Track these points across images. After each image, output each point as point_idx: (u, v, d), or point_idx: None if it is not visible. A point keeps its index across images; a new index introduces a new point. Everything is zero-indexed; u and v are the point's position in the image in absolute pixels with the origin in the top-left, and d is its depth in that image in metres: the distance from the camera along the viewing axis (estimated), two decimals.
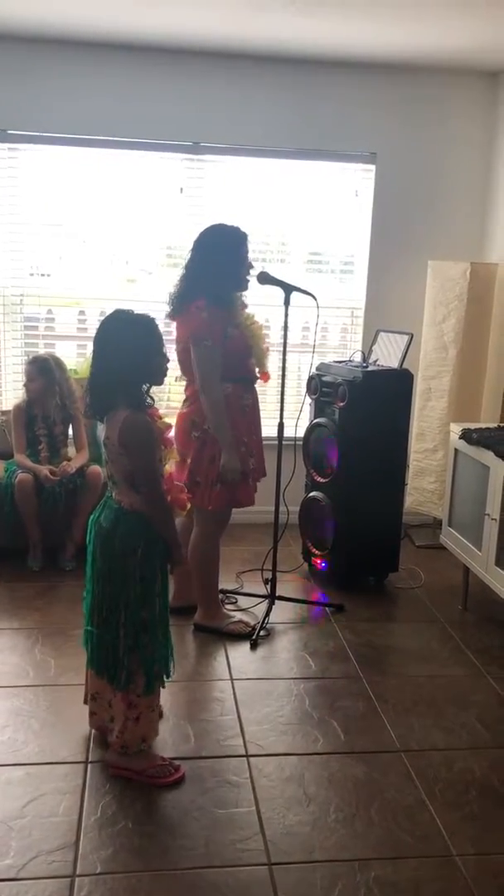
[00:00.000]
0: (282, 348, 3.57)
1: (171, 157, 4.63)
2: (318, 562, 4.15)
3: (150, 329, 2.41)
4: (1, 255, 4.63)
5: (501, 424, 4.01)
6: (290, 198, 4.76)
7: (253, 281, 3.38)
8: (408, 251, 4.79)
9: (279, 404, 3.58)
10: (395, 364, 3.99)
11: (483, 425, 3.84)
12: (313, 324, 3.68)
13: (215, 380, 3.25)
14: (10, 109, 4.41)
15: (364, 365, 4.06)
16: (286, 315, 3.47)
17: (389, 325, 4.42)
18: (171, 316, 3.37)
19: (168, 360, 2.47)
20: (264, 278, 3.42)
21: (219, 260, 3.26)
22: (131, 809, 2.40)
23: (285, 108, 4.58)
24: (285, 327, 3.50)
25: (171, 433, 2.63)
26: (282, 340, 3.56)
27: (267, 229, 4.81)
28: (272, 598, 3.72)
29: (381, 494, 4.00)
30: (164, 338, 2.49)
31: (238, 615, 3.65)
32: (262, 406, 3.53)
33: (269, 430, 3.57)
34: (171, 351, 3.03)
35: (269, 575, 3.78)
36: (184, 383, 3.46)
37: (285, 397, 3.60)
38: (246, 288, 3.36)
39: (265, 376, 3.50)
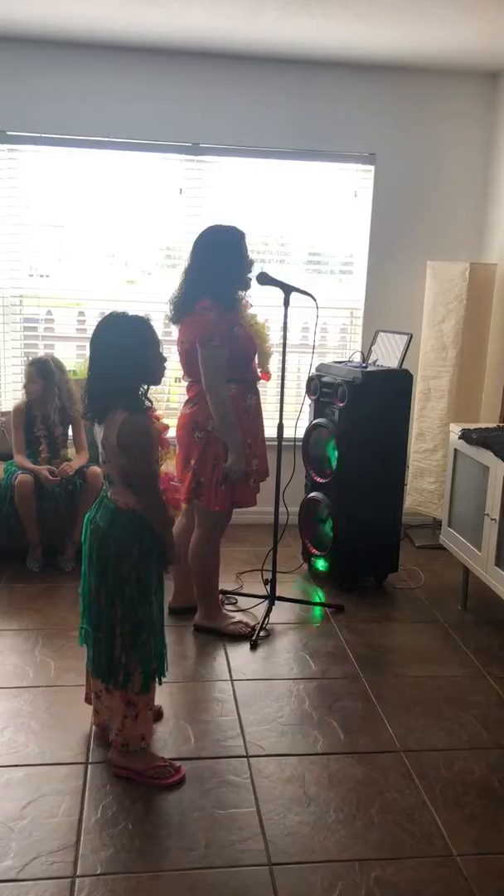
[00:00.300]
0: (281, 349, 3.57)
1: (171, 157, 4.63)
2: (317, 561, 4.15)
3: (145, 331, 2.41)
4: (0, 256, 4.64)
5: (501, 424, 4.02)
6: (289, 198, 4.77)
7: (252, 281, 3.38)
8: (407, 251, 4.79)
9: (279, 405, 3.58)
10: (394, 364, 4.00)
11: (483, 425, 3.84)
12: (313, 324, 3.69)
13: (222, 380, 3.24)
14: (9, 110, 4.41)
15: (363, 365, 4.06)
16: (286, 316, 3.47)
17: (389, 325, 4.42)
18: (175, 320, 3.36)
19: (165, 361, 2.48)
20: (264, 279, 3.42)
21: (219, 260, 3.26)
22: (132, 810, 2.40)
23: (284, 108, 4.59)
24: (284, 328, 3.50)
25: (168, 434, 2.63)
26: (281, 341, 3.56)
27: (266, 230, 4.81)
28: (272, 598, 3.73)
29: (381, 495, 4.01)
30: (161, 339, 2.49)
31: (238, 616, 3.65)
32: (262, 407, 3.53)
33: (268, 430, 3.56)
34: (169, 352, 3.03)
35: (268, 575, 3.79)
36: (185, 384, 3.46)
37: (285, 398, 3.60)
38: (249, 286, 3.36)
39: (266, 376, 3.51)
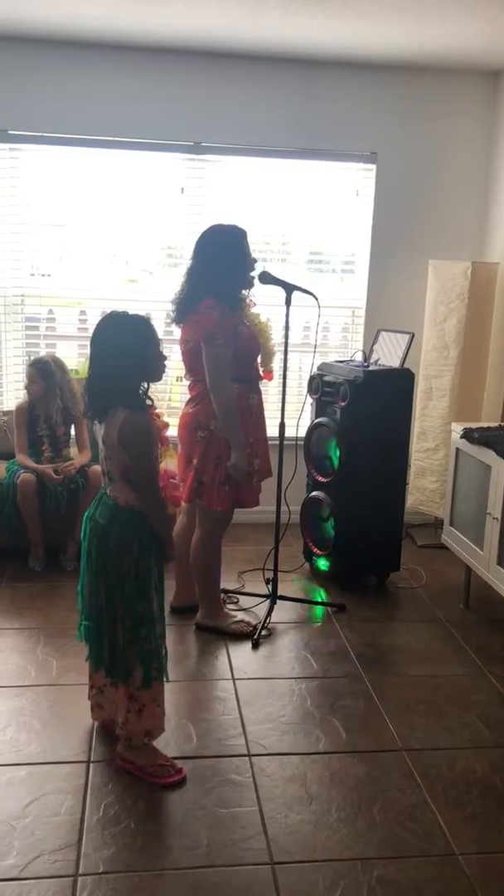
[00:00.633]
0: (283, 348, 3.57)
1: (172, 157, 4.63)
2: (319, 558, 4.15)
3: (146, 329, 2.42)
4: (2, 256, 4.64)
5: (503, 423, 4.01)
6: (290, 197, 4.77)
7: (254, 280, 3.38)
8: (409, 250, 4.79)
9: (280, 404, 3.58)
10: (396, 363, 3.99)
11: (484, 424, 3.84)
12: (314, 323, 3.68)
13: (227, 379, 3.24)
14: (11, 109, 4.41)
15: (365, 364, 4.06)
16: (287, 315, 3.47)
17: (390, 324, 4.42)
18: (177, 320, 3.35)
19: (165, 360, 2.48)
20: (265, 278, 3.42)
21: (222, 259, 3.25)
22: (134, 809, 2.40)
23: (286, 107, 4.58)
24: (286, 327, 3.50)
25: (168, 432, 2.64)
26: (283, 340, 3.56)
27: (268, 229, 4.81)
28: (273, 597, 3.73)
29: (383, 494, 4.01)
30: (162, 338, 2.50)
31: (240, 615, 3.65)
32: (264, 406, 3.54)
33: (270, 430, 3.56)
34: (170, 351, 3.03)
35: (270, 574, 3.79)
36: (186, 383, 3.46)
37: (286, 397, 3.60)
38: (252, 284, 3.36)
39: (268, 375, 3.51)
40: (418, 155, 4.73)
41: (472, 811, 2.45)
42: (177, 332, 3.44)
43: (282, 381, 3.58)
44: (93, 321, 4.77)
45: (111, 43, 4.31)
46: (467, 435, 3.65)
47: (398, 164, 4.72)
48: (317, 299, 3.47)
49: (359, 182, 4.79)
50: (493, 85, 4.70)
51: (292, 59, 4.47)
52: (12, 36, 4.27)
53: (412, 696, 3.08)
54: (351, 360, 4.22)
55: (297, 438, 3.86)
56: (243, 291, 3.35)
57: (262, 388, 3.52)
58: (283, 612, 3.74)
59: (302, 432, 4.12)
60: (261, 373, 3.48)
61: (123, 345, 2.38)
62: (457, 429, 3.79)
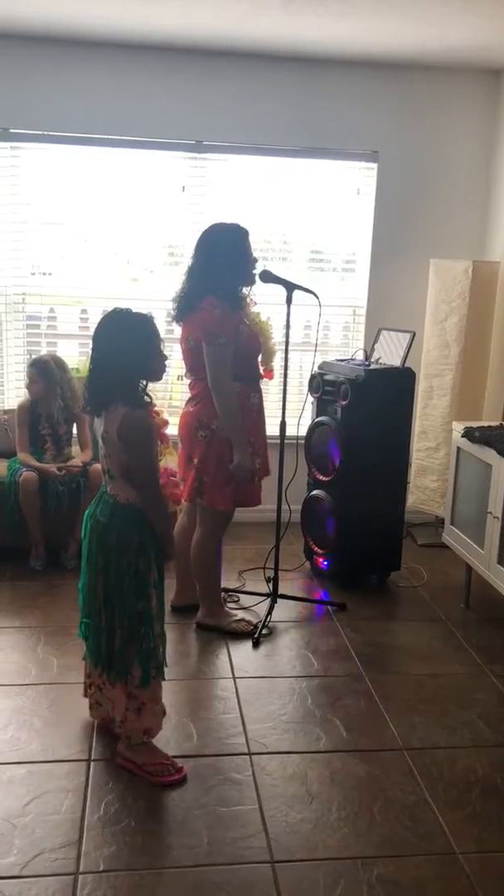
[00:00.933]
0: (284, 347, 3.57)
1: (174, 155, 4.63)
2: (321, 561, 4.15)
3: (147, 327, 2.42)
4: (3, 254, 4.64)
5: (503, 423, 4.02)
6: (292, 196, 4.76)
7: (255, 278, 3.37)
8: (410, 249, 4.78)
9: (281, 403, 3.57)
10: (397, 362, 3.99)
11: (485, 423, 3.84)
12: (315, 322, 3.68)
13: (228, 377, 3.24)
14: (12, 108, 4.41)
15: (366, 363, 4.06)
16: (288, 313, 3.47)
17: (391, 323, 4.41)
18: (178, 318, 3.35)
19: (166, 358, 2.48)
20: (266, 276, 3.42)
21: (223, 258, 3.25)
22: (134, 807, 2.40)
23: (287, 106, 4.58)
24: (287, 326, 3.49)
25: (167, 429, 2.64)
26: (284, 339, 3.56)
27: (269, 228, 4.81)
28: (274, 596, 3.73)
29: (383, 493, 4.00)
30: (163, 336, 2.50)
31: (240, 614, 3.66)
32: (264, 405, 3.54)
33: (271, 428, 3.56)
34: (171, 350, 3.02)
35: (271, 573, 3.79)
36: (187, 382, 3.45)
37: (287, 396, 3.60)
38: (254, 282, 3.35)
39: (269, 374, 3.50)
40: (419, 154, 4.72)
41: (472, 810, 2.45)
42: (177, 330, 3.44)
43: (282, 380, 3.58)
44: (94, 320, 4.76)
45: (112, 41, 4.31)
46: (468, 434, 3.65)
47: (399, 162, 4.72)
48: (318, 298, 3.47)
49: (360, 181, 4.79)
50: (494, 84, 4.69)
51: (293, 57, 4.46)
52: (13, 34, 4.26)
53: (413, 696, 3.08)
54: (352, 359, 4.21)
55: (297, 437, 3.86)
56: (244, 290, 3.35)
57: (263, 387, 3.52)
58: (284, 611, 3.74)
59: (303, 431, 4.12)
60: (261, 372, 3.48)
61: (125, 340, 2.38)
62: (458, 428, 3.79)
